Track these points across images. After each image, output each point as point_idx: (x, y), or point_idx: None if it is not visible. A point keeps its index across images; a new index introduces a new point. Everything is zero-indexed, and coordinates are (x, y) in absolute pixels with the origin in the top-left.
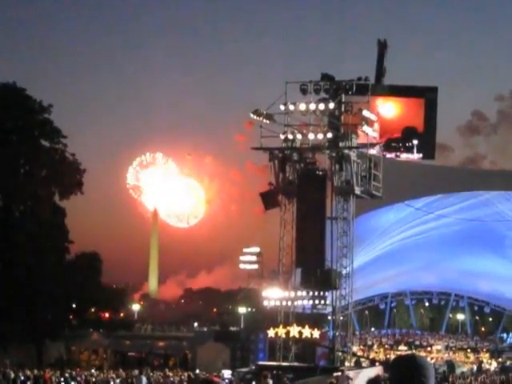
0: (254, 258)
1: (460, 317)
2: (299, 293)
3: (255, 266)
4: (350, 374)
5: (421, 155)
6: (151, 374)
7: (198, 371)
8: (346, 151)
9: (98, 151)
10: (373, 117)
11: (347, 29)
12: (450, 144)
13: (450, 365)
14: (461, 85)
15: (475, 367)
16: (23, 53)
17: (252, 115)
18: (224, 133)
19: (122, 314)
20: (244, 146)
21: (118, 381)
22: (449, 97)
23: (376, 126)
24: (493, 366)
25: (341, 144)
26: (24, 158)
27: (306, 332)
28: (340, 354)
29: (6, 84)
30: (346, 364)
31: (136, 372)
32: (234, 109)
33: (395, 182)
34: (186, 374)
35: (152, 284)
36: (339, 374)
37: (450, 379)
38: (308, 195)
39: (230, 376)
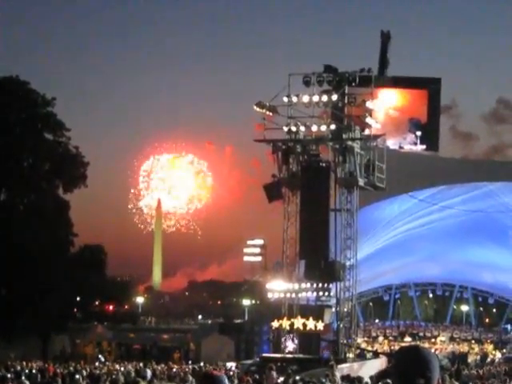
0: (257, 250)
1: (464, 308)
2: (303, 285)
3: (259, 258)
4: (355, 365)
5: (424, 146)
6: (156, 366)
7: (202, 364)
8: (350, 143)
9: (101, 144)
10: (376, 108)
11: (350, 20)
12: (475, 132)
13: (463, 356)
14: (485, 72)
15: (479, 358)
16: (26, 46)
17: (255, 107)
18: (242, 124)
19: (126, 307)
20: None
21: (122, 373)
22: (473, 84)
23: (379, 117)
24: (497, 356)
25: (344, 136)
26: (27, 151)
27: (311, 324)
28: (344, 345)
29: (9, 77)
30: (350, 355)
31: (140, 365)
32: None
33: (399, 173)
34: (190, 367)
35: (156, 276)
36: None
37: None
38: (311, 187)
39: (233, 368)
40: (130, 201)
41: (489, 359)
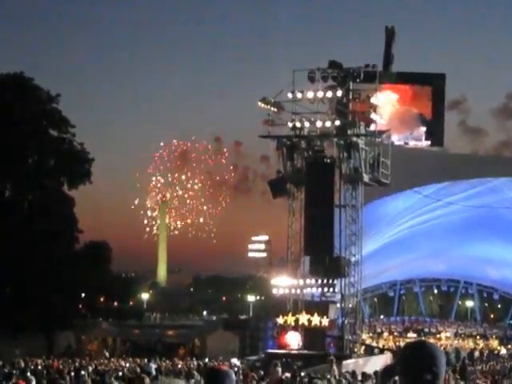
0: (262, 246)
1: (469, 304)
2: (308, 281)
3: (264, 254)
4: (360, 361)
5: (429, 142)
6: (161, 362)
7: (207, 360)
8: (354, 139)
9: (106, 140)
10: (381, 104)
11: (355, 16)
12: (484, 127)
13: (470, 352)
14: (495, 67)
15: (485, 354)
16: (31, 43)
17: (260, 103)
18: (248, 120)
19: (131, 303)
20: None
21: (127, 369)
22: (482, 79)
23: (385, 113)
24: (502, 352)
25: (349, 131)
26: (32, 148)
27: (315, 320)
28: (349, 341)
29: (14, 74)
30: (356, 351)
31: (145, 361)
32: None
33: (403, 169)
34: (194, 363)
35: (161, 272)
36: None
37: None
38: (316, 183)
39: (238, 364)
40: (135, 197)
41: (494, 355)
